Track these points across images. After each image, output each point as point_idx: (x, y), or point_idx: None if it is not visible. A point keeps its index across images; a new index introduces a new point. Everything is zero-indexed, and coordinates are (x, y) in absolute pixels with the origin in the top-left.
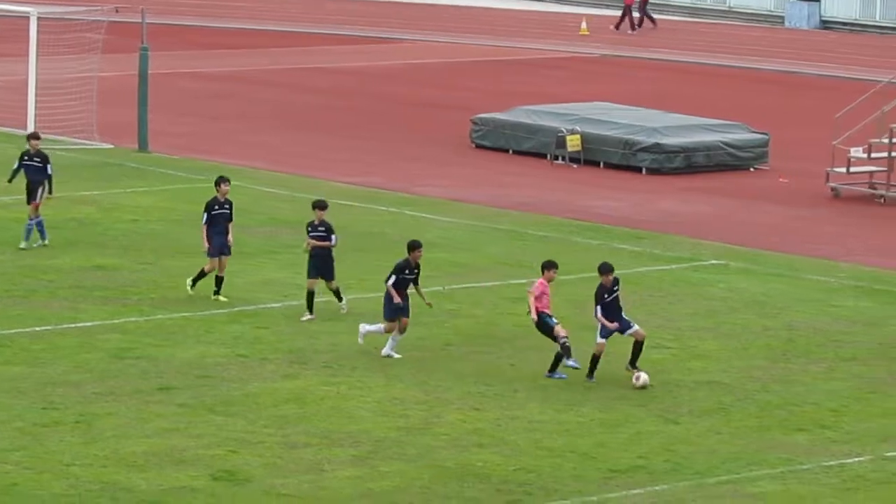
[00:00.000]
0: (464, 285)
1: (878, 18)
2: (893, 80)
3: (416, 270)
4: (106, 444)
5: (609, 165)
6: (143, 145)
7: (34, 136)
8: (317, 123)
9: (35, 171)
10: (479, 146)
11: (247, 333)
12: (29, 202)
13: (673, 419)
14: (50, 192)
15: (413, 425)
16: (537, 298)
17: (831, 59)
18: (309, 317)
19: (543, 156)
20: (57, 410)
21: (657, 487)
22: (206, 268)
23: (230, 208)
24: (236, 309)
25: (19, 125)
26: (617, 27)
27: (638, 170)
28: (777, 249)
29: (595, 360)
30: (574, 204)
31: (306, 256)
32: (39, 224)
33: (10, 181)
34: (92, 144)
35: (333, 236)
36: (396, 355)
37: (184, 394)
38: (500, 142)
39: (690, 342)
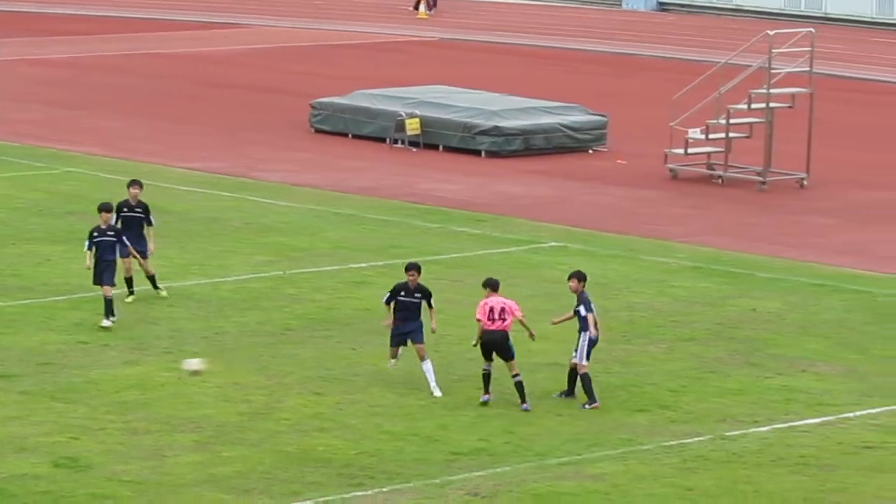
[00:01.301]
0: (304, 270)
1: (714, 1)
2: (730, 62)
3: (417, 294)
4: None
5: (448, 149)
6: None
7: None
8: (156, 109)
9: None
10: (318, 130)
11: (87, 320)
12: None
13: (514, 401)
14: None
15: (254, 410)
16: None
17: (668, 40)
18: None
19: (383, 140)
20: None
21: (499, 469)
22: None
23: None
24: (76, 296)
25: None
26: (416, 7)
27: (477, 153)
28: (616, 231)
29: None
30: (414, 187)
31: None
32: None
33: None
34: None
35: (151, 217)
36: (437, 393)
37: (24, 381)
38: (340, 126)
39: (531, 324)
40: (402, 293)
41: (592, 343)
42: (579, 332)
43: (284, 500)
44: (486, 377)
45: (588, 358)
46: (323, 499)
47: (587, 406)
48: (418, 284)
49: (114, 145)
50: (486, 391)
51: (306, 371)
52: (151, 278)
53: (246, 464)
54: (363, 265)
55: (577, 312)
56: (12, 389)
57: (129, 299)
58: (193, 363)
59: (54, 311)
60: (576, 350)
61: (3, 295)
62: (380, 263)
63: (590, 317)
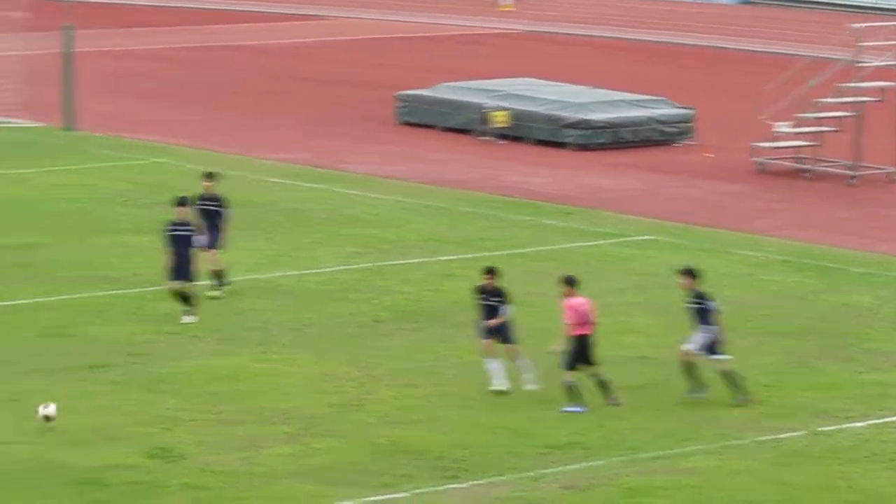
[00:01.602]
0: (392, 262)
1: None
2: (815, 55)
3: (493, 296)
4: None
5: (536, 142)
6: (69, 124)
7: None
8: (241, 101)
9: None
10: (404, 123)
11: (176, 311)
12: None
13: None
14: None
15: (345, 402)
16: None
17: (755, 34)
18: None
19: (469, 132)
20: None
21: (592, 463)
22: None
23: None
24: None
25: None
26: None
27: (564, 146)
28: (704, 224)
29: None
30: (501, 180)
31: (223, 236)
32: None
33: None
34: (18, 122)
35: (228, 210)
36: (531, 386)
37: (115, 371)
38: (426, 118)
39: (620, 318)
40: (483, 295)
41: (715, 338)
42: (699, 325)
43: (376, 492)
44: (576, 388)
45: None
46: (416, 491)
47: (740, 400)
48: (495, 287)
49: (198, 136)
50: (581, 402)
51: (396, 363)
52: (217, 273)
53: (337, 456)
54: (452, 258)
55: (696, 307)
56: (104, 380)
57: (216, 293)
58: (49, 409)
59: (143, 301)
60: (692, 342)
61: (93, 286)
62: (468, 256)
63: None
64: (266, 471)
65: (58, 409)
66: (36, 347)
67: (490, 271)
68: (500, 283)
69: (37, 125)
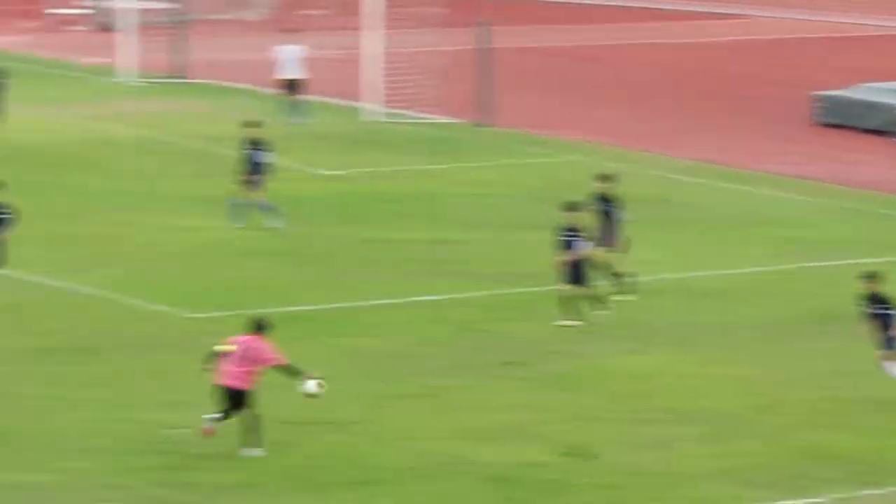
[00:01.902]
0: (810, 264)
1: None
2: None
3: (880, 304)
4: (452, 417)
5: None
6: (482, 119)
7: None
8: (654, 99)
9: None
10: (822, 124)
11: (588, 310)
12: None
13: None
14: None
15: (761, 403)
16: None
17: None
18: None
19: (888, 134)
20: (404, 383)
21: None
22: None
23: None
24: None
25: (363, 98)
26: None
27: None
28: None
29: None
30: None
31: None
32: (264, 207)
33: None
34: (434, 118)
35: (622, 212)
36: None
37: (530, 368)
38: (845, 119)
39: None
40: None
41: None
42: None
43: (794, 495)
44: None
45: None
46: (834, 496)
47: None
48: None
49: (609, 133)
50: None
51: (813, 366)
52: (616, 274)
53: (754, 458)
54: (870, 260)
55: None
56: (517, 376)
57: (628, 297)
58: (311, 386)
59: (555, 299)
60: None
61: (507, 282)
62: (888, 259)
63: None
64: (682, 471)
65: (320, 386)
66: (450, 343)
67: (872, 277)
68: (885, 288)
69: (450, 121)
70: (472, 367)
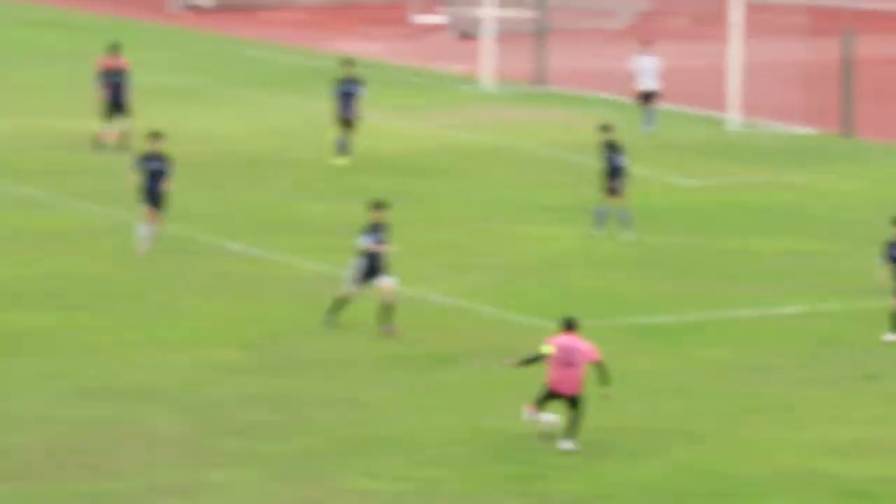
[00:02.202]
0: None
1: None
2: None
3: None
4: (811, 430)
5: None
6: (847, 130)
7: None
8: None
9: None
10: None
11: None
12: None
13: None
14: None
15: None
16: None
17: None
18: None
19: None
20: (761, 396)
21: None
22: None
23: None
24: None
25: (722, 108)
26: None
27: None
28: None
29: None
30: None
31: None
32: (625, 217)
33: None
34: (795, 128)
35: None
36: None
37: (890, 382)
38: None
39: None
40: None
41: None
42: None
43: None
44: None
45: None
46: None
47: None
48: None
49: None
50: None
51: None
52: None
53: None
54: None
55: None
56: (878, 391)
57: None
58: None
59: None
60: None
61: (868, 295)
62: None
63: None
64: None
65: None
66: (808, 356)
67: None
68: None
69: (812, 131)
70: (830, 379)
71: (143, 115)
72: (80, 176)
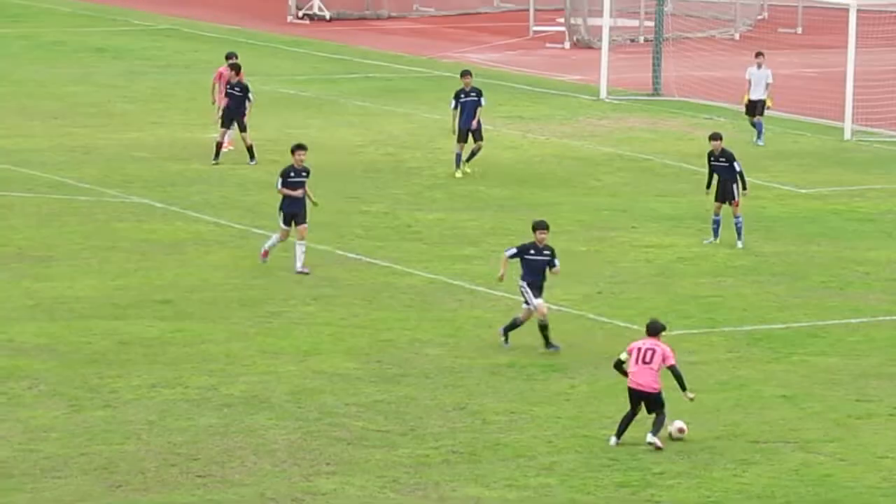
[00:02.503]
0: None
1: None
2: None
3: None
4: None
5: None
6: None
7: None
8: None
9: (724, 170)
10: None
11: None
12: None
13: None
14: (744, 188)
15: None
16: None
17: None
18: None
19: None
20: (871, 403)
21: None
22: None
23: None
24: None
25: (836, 117)
26: None
27: None
28: None
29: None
30: None
31: None
32: (738, 224)
33: (707, 187)
34: None
35: None
36: None
37: None
38: None
39: None
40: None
41: None
42: None
43: None
44: None
45: None
46: None
47: None
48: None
49: None
50: None
51: None
52: None
53: None
54: None
55: None
56: None
57: None
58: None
59: None
60: None
61: None
62: None
63: None
64: None
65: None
66: None
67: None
68: None
69: None
70: None
71: (258, 125)
72: (196, 185)
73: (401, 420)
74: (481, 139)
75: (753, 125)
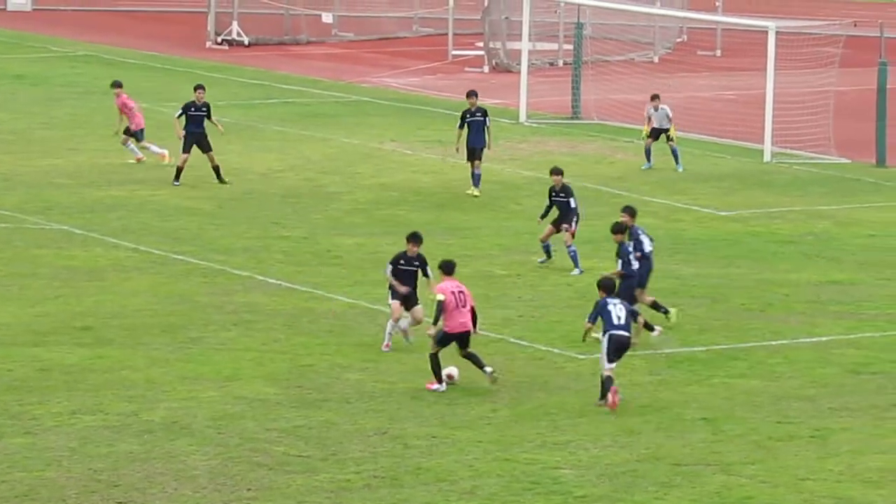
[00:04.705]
0: None
1: None
2: None
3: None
4: (840, 459)
5: None
6: (881, 160)
7: None
8: None
9: (562, 205)
10: None
11: None
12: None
13: None
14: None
15: None
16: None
17: None
18: None
19: None
20: (792, 424)
21: None
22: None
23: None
24: None
25: (755, 140)
26: None
27: None
28: None
29: None
30: None
31: None
32: (571, 253)
33: (541, 218)
34: (828, 159)
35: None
36: None
37: None
38: None
39: None
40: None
41: None
42: None
43: None
44: None
45: None
46: None
47: None
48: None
49: None
50: None
51: None
52: None
53: None
54: None
55: None
56: None
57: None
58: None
59: None
60: None
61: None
62: None
63: None
64: None
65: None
66: (839, 385)
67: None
68: None
69: (847, 162)
70: (860, 408)
71: (177, 150)
72: (115, 211)
73: (322, 445)
74: (478, 158)
75: (672, 151)
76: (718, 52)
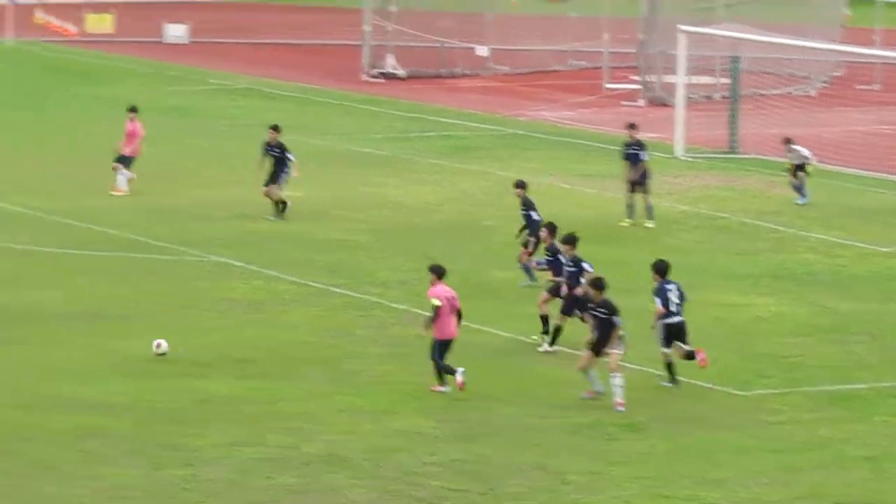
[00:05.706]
0: None
1: None
2: None
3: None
4: None
5: None
6: None
7: None
8: None
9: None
10: None
11: None
12: None
13: None
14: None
15: None
16: None
17: None
18: None
19: None
20: None
21: None
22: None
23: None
24: None
25: None
26: None
27: None
28: None
29: None
30: None
31: None
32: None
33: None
34: None
35: None
36: None
37: None
38: None
39: None
40: None
41: None
42: None
43: None
44: None
45: None
46: None
47: None
48: None
49: None
50: None
51: None
52: None
53: None
54: None
55: None
56: None
57: None
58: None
59: None
60: None
61: None
62: None
63: None
64: None
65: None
66: None
67: None
68: None
69: None
70: None
71: (334, 183)
72: (269, 242)
73: (479, 480)
74: (645, 191)
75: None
76: (877, 86)
